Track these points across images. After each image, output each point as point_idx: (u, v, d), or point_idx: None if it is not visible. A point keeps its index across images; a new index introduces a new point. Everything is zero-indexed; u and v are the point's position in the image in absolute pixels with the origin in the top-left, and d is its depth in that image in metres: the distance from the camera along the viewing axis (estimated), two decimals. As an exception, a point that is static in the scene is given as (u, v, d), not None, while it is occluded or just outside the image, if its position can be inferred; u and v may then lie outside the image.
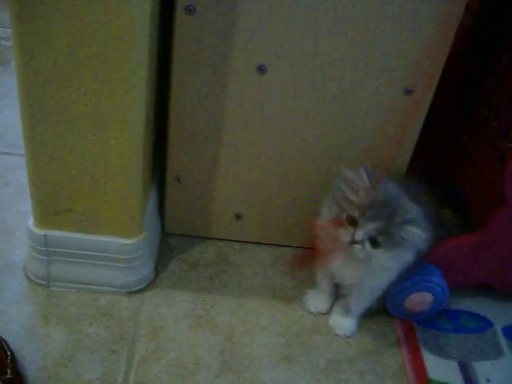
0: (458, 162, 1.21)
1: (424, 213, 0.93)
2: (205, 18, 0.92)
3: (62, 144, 0.89)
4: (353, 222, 0.90)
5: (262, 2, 0.90)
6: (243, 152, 1.08)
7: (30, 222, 1.00)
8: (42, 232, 0.99)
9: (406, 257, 0.93)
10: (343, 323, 1.07)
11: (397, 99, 1.00)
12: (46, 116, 0.86)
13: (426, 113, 1.02)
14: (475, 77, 1.18)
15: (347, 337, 1.06)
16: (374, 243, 0.90)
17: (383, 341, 1.06)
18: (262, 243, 1.23)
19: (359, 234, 0.90)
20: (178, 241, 1.21)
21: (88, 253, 1.01)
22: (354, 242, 0.90)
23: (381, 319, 1.10)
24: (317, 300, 1.10)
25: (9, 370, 0.88)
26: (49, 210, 0.97)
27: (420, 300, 1.05)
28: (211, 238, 1.22)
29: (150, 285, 1.09)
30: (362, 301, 1.04)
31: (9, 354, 0.90)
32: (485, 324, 1.13)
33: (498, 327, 1.13)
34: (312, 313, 1.09)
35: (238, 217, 1.18)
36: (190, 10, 0.92)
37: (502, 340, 1.10)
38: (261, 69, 0.97)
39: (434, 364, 1.03)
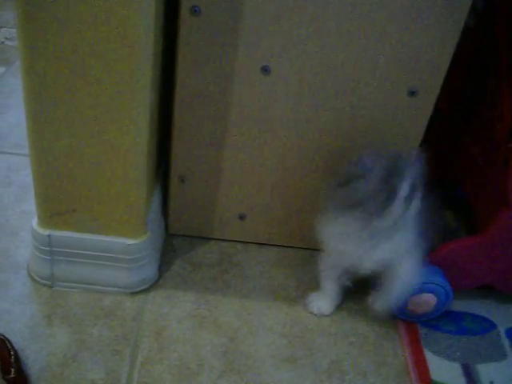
0: (461, 164, 1.21)
1: (426, 215, 0.93)
2: (209, 19, 0.93)
3: (66, 144, 0.89)
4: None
5: (267, 3, 0.91)
6: (247, 152, 1.08)
7: (34, 221, 1.01)
8: (46, 232, 0.99)
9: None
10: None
11: (401, 101, 1.00)
12: (50, 116, 0.86)
13: (430, 114, 1.02)
14: (479, 78, 1.18)
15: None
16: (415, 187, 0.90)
17: (386, 342, 1.06)
18: (265, 244, 1.23)
19: (405, 184, 0.88)
20: (182, 241, 1.21)
21: (92, 253, 1.02)
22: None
23: (384, 320, 1.10)
24: (320, 301, 1.10)
25: (13, 370, 0.88)
26: (53, 210, 0.97)
27: (423, 301, 1.05)
28: (215, 239, 1.22)
29: (154, 285, 1.09)
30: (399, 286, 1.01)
31: (12, 353, 0.91)
32: (488, 326, 1.13)
33: (502, 329, 1.12)
34: (315, 314, 1.09)
35: (242, 217, 1.18)
36: (194, 11, 0.92)
37: (506, 342, 1.10)
38: (265, 70, 0.97)
39: (437, 366, 1.03)
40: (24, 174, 1.32)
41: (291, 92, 1.00)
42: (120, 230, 1.00)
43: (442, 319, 1.11)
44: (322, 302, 1.10)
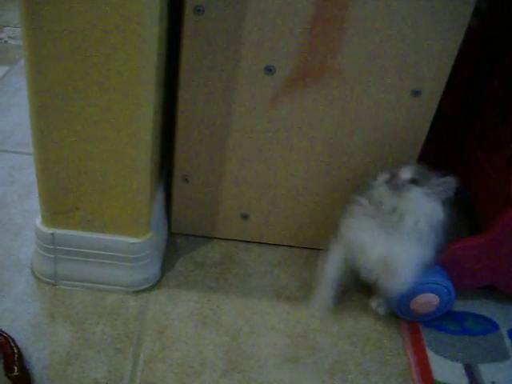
0: (465, 165, 1.21)
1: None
2: (213, 19, 0.93)
3: (69, 143, 0.89)
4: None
5: (270, 3, 0.91)
6: (250, 152, 1.08)
7: (38, 220, 1.01)
8: (50, 230, 0.99)
9: (438, 207, 0.96)
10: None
11: (405, 101, 1.01)
12: (54, 115, 0.86)
13: (434, 115, 1.03)
14: (482, 79, 1.18)
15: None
16: (415, 181, 0.95)
17: (389, 342, 1.06)
18: (268, 243, 1.23)
19: (404, 172, 0.95)
20: (185, 240, 1.21)
21: (95, 251, 1.02)
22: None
23: (386, 320, 1.10)
24: (322, 300, 1.11)
25: (16, 368, 0.88)
26: (56, 209, 0.98)
27: (426, 301, 1.05)
28: (217, 238, 1.23)
29: (157, 284, 1.09)
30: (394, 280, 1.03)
31: (16, 351, 0.91)
32: (490, 326, 1.13)
33: (504, 329, 1.12)
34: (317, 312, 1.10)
35: (245, 217, 1.18)
36: (198, 11, 0.92)
37: (508, 342, 1.10)
38: (269, 69, 0.97)
39: (439, 366, 1.03)
40: (27, 172, 1.32)
41: (295, 92, 1.00)
42: (123, 229, 1.00)
43: (445, 319, 1.11)
44: (324, 300, 1.11)
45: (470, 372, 1.03)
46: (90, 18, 0.77)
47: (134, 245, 1.01)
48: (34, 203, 1.01)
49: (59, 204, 0.97)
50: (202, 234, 1.22)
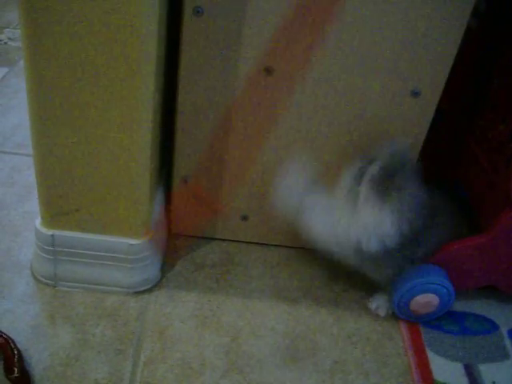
0: (465, 165, 1.21)
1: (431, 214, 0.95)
2: (213, 20, 0.93)
3: (69, 144, 0.89)
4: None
5: (270, 4, 0.91)
6: (250, 153, 1.08)
7: (38, 221, 1.01)
8: (50, 232, 0.99)
9: (389, 230, 0.96)
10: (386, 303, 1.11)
11: (404, 101, 1.01)
12: (54, 116, 0.86)
13: (433, 115, 1.03)
14: (482, 78, 1.19)
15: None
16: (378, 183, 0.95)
17: (389, 342, 1.06)
18: (268, 244, 1.23)
19: (372, 168, 0.95)
20: (185, 241, 1.21)
21: (95, 253, 1.02)
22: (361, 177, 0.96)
23: (386, 321, 1.10)
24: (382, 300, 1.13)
25: (16, 369, 0.88)
26: (56, 210, 0.98)
27: (425, 302, 1.05)
28: (217, 239, 1.23)
29: (157, 285, 1.10)
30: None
31: (16, 353, 0.91)
32: (490, 326, 1.13)
33: (504, 330, 1.12)
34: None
35: (245, 218, 1.18)
36: (197, 12, 0.92)
37: (508, 342, 1.10)
38: (268, 70, 0.97)
39: (439, 366, 1.03)
40: (27, 174, 1.32)
41: (294, 93, 1.00)
42: (123, 230, 1.00)
43: (445, 319, 1.11)
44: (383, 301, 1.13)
45: (470, 372, 1.03)
46: (89, 20, 0.77)
47: (134, 246, 1.01)
48: (33, 204, 1.01)
49: (59, 205, 0.97)
50: (201, 235, 1.22)
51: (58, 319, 1.00)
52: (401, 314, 1.09)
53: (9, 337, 0.93)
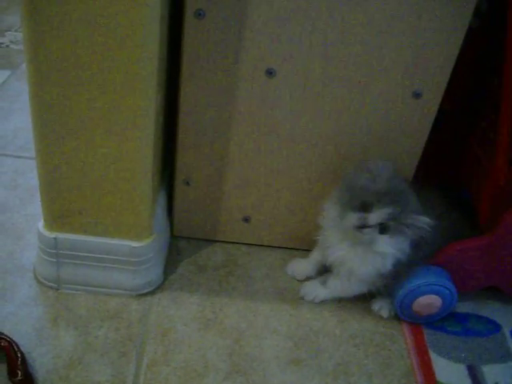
0: (467, 165, 1.21)
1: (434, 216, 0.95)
2: (214, 23, 0.93)
3: (71, 147, 0.90)
4: (365, 208, 0.95)
5: (271, 6, 0.91)
6: (252, 155, 1.08)
7: (40, 224, 1.01)
8: (52, 235, 1.00)
9: (405, 247, 0.97)
10: (316, 290, 1.12)
11: (406, 103, 1.01)
12: (56, 119, 0.87)
13: (435, 116, 1.03)
14: (483, 79, 1.18)
15: (314, 302, 1.12)
16: (384, 229, 0.95)
17: (392, 344, 1.06)
18: (270, 246, 1.23)
19: (373, 218, 0.94)
20: (187, 244, 1.21)
21: (97, 255, 1.02)
22: (365, 226, 0.94)
23: (389, 322, 1.10)
24: (298, 264, 1.17)
25: (20, 372, 0.88)
26: (59, 213, 0.98)
27: (428, 303, 1.05)
28: (219, 241, 1.23)
29: (159, 287, 1.10)
30: (348, 285, 1.07)
31: (19, 355, 0.91)
32: (493, 327, 1.13)
33: (507, 330, 1.12)
34: (289, 275, 1.17)
35: (247, 220, 1.18)
36: (199, 15, 0.92)
37: (511, 343, 1.10)
38: (270, 72, 0.97)
39: (442, 367, 1.03)
40: (30, 176, 1.32)
41: (296, 94, 1.00)
42: (125, 233, 1.00)
43: (447, 320, 1.11)
44: (300, 265, 1.17)
45: (473, 373, 1.03)
46: (91, 23, 0.77)
47: (137, 248, 1.01)
48: (36, 207, 1.01)
49: (61, 208, 0.97)
50: (204, 237, 1.22)
51: (60, 322, 1.00)
52: (403, 315, 1.09)
53: (12, 340, 0.94)
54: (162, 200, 1.12)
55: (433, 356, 1.05)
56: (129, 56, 0.80)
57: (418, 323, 1.10)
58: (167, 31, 0.92)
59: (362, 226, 0.95)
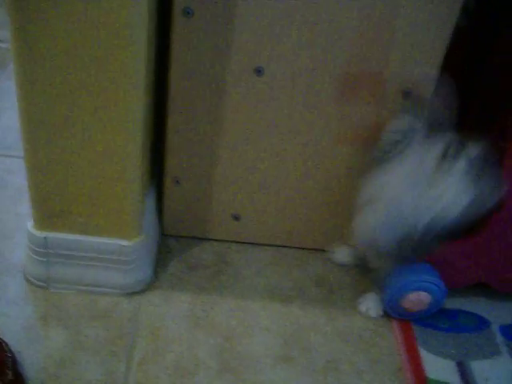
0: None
1: None
2: (202, 21, 0.93)
3: (60, 146, 0.89)
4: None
5: (260, 5, 0.91)
6: (241, 153, 1.08)
7: (30, 224, 1.01)
8: (42, 234, 0.99)
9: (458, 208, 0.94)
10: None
11: (395, 102, 1.01)
12: (44, 118, 0.86)
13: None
14: (471, 76, 1.19)
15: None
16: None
17: (381, 340, 1.07)
18: (260, 244, 1.23)
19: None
20: (177, 242, 1.21)
21: (87, 254, 1.02)
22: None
23: (378, 319, 1.10)
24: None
25: (10, 372, 0.88)
26: (48, 212, 0.98)
27: (417, 299, 1.06)
28: (210, 239, 1.23)
29: (150, 286, 1.10)
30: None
31: (9, 355, 0.91)
32: (482, 323, 1.13)
33: (496, 326, 1.13)
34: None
35: (237, 218, 1.18)
36: (187, 13, 0.92)
37: (500, 339, 1.10)
38: (258, 71, 0.98)
39: (432, 363, 1.04)
40: (19, 176, 1.32)
41: (285, 93, 1.00)
42: (115, 232, 1.00)
43: (437, 317, 1.12)
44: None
45: (463, 369, 1.04)
46: (78, 21, 0.77)
47: (127, 247, 1.01)
48: (26, 207, 1.01)
49: (51, 207, 0.97)
50: (194, 236, 1.22)
51: (51, 321, 1.00)
52: (393, 312, 1.09)
53: (2, 339, 0.93)
54: (151, 199, 1.12)
55: (422, 352, 1.05)
56: (116, 55, 0.80)
57: (408, 320, 1.11)
58: (155, 30, 0.92)
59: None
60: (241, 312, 1.08)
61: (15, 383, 0.88)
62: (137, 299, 1.07)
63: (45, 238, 0.99)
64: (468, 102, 1.19)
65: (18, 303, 1.03)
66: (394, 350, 1.05)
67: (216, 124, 1.04)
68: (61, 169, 0.92)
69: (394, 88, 1.00)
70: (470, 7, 1.10)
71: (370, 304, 1.11)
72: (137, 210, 0.99)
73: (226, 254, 1.20)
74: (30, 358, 0.94)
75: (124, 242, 1.01)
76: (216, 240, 1.23)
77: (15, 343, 0.95)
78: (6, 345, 0.93)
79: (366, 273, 1.17)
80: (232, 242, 1.23)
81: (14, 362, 0.91)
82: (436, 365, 1.04)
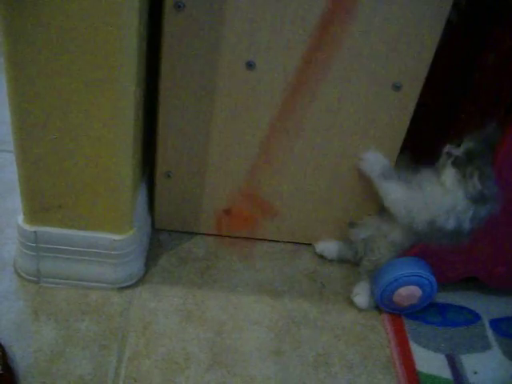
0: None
1: None
2: (194, 14, 0.93)
3: (50, 140, 0.89)
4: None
5: (251, -1, 0.91)
6: (232, 147, 1.08)
7: (20, 218, 1.00)
8: (32, 228, 0.99)
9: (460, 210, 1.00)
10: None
11: (385, 95, 1.01)
12: (34, 112, 0.86)
13: (414, 109, 1.03)
14: (462, 73, 1.19)
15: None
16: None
17: (372, 334, 1.07)
18: (251, 238, 1.23)
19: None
20: (168, 236, 1.21)
21: (78, 249, 1.02)
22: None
23: (369, 313, 1.11)
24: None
25: (0, 366, 0.88)
26: (38, 207, 0.97)
27: (408, 294, 1.06)
28: (201, 234, 1.23)
29: (141, 280, 1.10)
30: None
31: (0, 349, 0.91)
32: (472, 317, 1.14)
33: (486, 320, 1.14)
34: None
35: (228, 212, 1.18)
36: (178, 6, 0.92)
37: (490, 333, 1.11)
38: (250, 65, 0.97)
39: (422, 357, 1.04)
40: (9, 170, 1.31)
41: (276, 87, 1.00)
42: (106, 226, 1.00)
43: (427, 311, 1.12)
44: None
45: (453, 363, 1.04)
46: (68, 14, 0.77)
47: (118, 241, 1.01)
48: (16, 201, 1.00)
49: (41, 202, 0.97)
50: (185, 230, 1.22)
51: (41, 315, 1.00)
52: (384, 306, 1.10)
53: (-8, 334, 0.93)
54: (142, 193, 1.11)
55: (413, 346, 1.06)
56: (108, 49, 0.80)
57: (398, 314, 1.11)
58: (146, 23, 0.91)
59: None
60: (232, 306, 1.08)
61: (5, 377, 0.88)
62: (128, 293, 1.07)
63: (35, 232, 0.99)
64: (460, 98, 1.20)
65: (9, 298, 1.02)
66: (384, 344, 1.06)
67: (207, 118, 1.04)
68: (51, 163, 0.92)
69: (385, 81, 1.00)
70: (462, 3, 1.10)
71: (360, 290, 1.11)
72: (128, 203, 0.99)
73: (217, 248, 1.20)
74: (20, 352, 0.94)
75: (115, 236, 1.01)
76: (207, 234, 1.23)
77: (6, 337, 0.95)
78: (-3, 339, 0.93)
79: (356, 267, 1.17)
80: (223, 236, 1.23)
81: (5, 356, 0.90)
82: (426, 358, 1.04)
